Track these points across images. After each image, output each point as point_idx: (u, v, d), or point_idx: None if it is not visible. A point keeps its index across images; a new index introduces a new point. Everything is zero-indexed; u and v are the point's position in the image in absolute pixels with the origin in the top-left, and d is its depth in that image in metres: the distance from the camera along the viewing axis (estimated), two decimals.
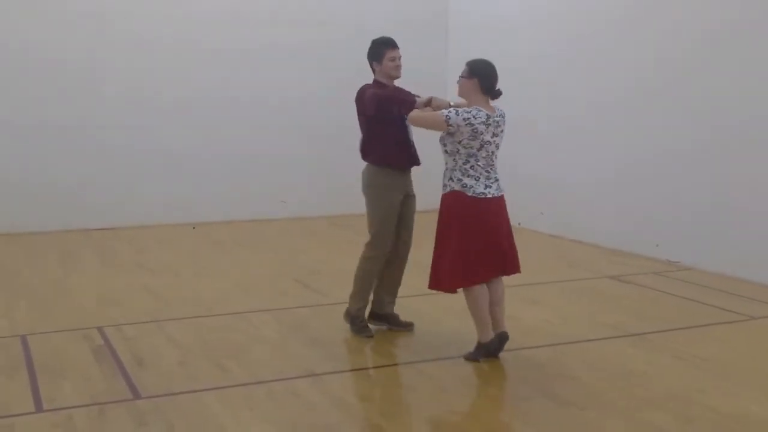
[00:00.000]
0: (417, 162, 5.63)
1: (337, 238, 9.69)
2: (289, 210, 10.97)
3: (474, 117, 4.88)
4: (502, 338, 5.16)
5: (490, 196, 4.99)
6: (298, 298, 6.81)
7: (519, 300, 6.62)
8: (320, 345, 5.48)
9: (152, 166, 10.41)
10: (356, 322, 5.70)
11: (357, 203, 10.81)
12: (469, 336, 5.33)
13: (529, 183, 10.06)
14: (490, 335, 5.12)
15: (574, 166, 9.40)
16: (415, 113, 5.15)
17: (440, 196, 5.13)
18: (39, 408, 4.40)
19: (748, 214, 7.29)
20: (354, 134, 11.86)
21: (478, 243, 5.00)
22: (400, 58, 5.52)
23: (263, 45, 10.78)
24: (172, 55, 10.39)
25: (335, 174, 11.20)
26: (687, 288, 7.07)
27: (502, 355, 5.22)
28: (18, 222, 9.72)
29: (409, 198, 5.64)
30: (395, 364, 5.11)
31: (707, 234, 7.69)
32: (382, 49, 5.49)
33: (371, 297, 5.79)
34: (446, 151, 5.04)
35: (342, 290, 7.03)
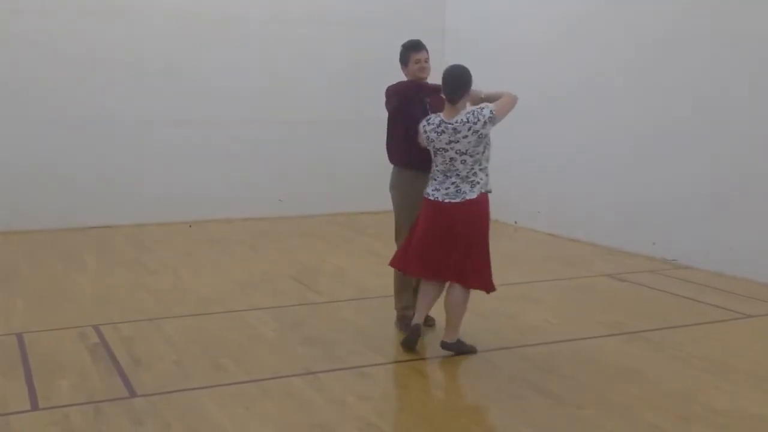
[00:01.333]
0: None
1: (335, 237, 9.69)
2: (287, 208, 10.97)
3: (428, 123, 5.06)
4: (415, 330, 5.23)
5: (431, 198, 5.06)
6: (295, 296, 6.80)
7: (516, 298, 6.63)
8: (317, 343, 5.48)
9: (150, 164, 10.41)
10: (402, 321, 5.74)
11: (355, 202, 11.04)
12: (467, 333, 5.33)
13: (526, 182, 10.07)
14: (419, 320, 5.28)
15: (570, 165, 9.40)
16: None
17: None
18: (35, 406, 4.39)
19: (745, 212, 7.29)
20: (352, 131, 11.93)
21: (418, 238, 5.14)
22: (426, 60, 5.58)
23: (261, 41, 10.79)
24: (170, 52, 10.38)
25: (334, 172, 11.23)
26: (684, 286, 7.07)
27: (498, 353, 5.22)
28: (16, 219, 9.71)
29: None
30: (392, 363, 5.11)
31: (704, 232, 7.69)
32: (407, 54, 5.59)
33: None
34: None
35: (339, 288, 7.06)
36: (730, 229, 7.44)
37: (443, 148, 4.97)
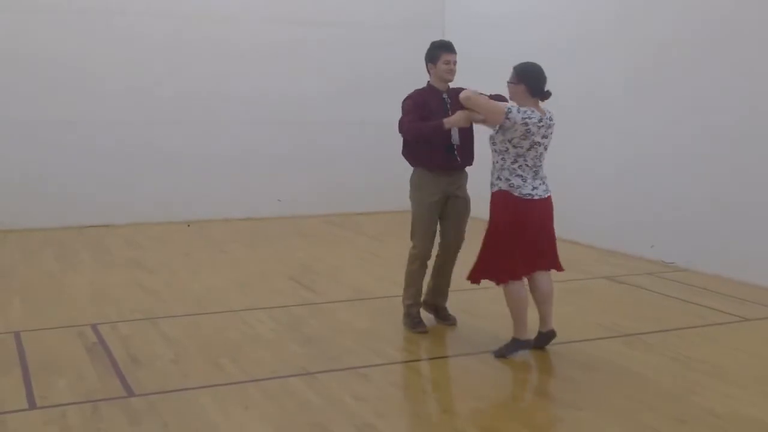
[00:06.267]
0: (457, 164, 5.62)
1: (332, 237, 9.69)
2: (285, 208, 10.97)
3: (529, 117, 4.94)
4: (547, 336, 5.27)
5: (536, 197, 5.03)
6: (293, 296, 6.80)
7: None
8: (315, 343, 5.48)
9: (148, 163, 10.41)
10: (407, 318, 5.77)
11: (352, 202, 11.04)
12: (464, 334, 5.33)
13: None
14: (527, 334, 5.18)
15: (568, 167, 9.39)
16: (473, 95, 5.12)
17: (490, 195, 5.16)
18: (32, 405, 4.39)
19: (743, 215, 7.30)
20: (350, 132, 11.92)
21: (520, 242, 5.05)
22: (455, 63, 5.61)
23: (259, 43, 10.80)
24: (168, 53, 10.39)
25: (331, 173, 11.23)
26: (681, 289, 7.08)
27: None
28: (13, 218, 9.70)
29: (454, 199, 5.67)
30: (389, 363, 5.10)
31: (702, 235, 7.70)
32: (438, 52, 5.60)
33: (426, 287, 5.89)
34: (495, 150, 5.07)
35: (336, 289, 7.06)
36: (728, 232, 7.44)
37: (539, 143, 5.01)
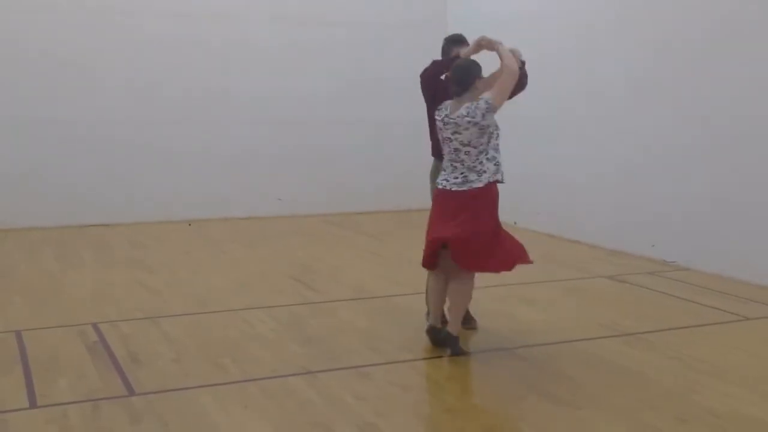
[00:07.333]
0: None
1: (332, 236, 9.69)
2: (285, 208, 10.97)
3: (438, 113, 5.15)
4: (430, 333, 5.32)
5: (440, 187, 5.13)
6: (293, 295, 6.80)
7: (514, 299, 6.63)
8: (315, 343, 5.48)
9: (148, 162, 10.42)
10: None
11: (352, 202, 11.04)
12: (464, 333, 5.33)
13: (526, 183, 10.06)
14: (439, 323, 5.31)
15: (570, 166, 9.41)
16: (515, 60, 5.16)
17: None
18: (33, 404, 4.39)
19: (745, 214, 7.30)
20: (351, 131, 11.92)
21: (428, 229, 5.22)
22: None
23: (260, 42, 10.80)
24: (170, 52, 10.40)
25: (331, 172, 11.23)
26: (682, 288, 7.08)
27: (497, 353, 5.23)
28: (13, 217, 9.71)
29: None
30: (390, 362, 5.10)
31: (703, 234, 7.70)
32: (449, 47, 5.71)
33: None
34: None
35: (337, 288, 7.06)
36: (729, 231, 7.44)
37: (449, 138, 5.06)
